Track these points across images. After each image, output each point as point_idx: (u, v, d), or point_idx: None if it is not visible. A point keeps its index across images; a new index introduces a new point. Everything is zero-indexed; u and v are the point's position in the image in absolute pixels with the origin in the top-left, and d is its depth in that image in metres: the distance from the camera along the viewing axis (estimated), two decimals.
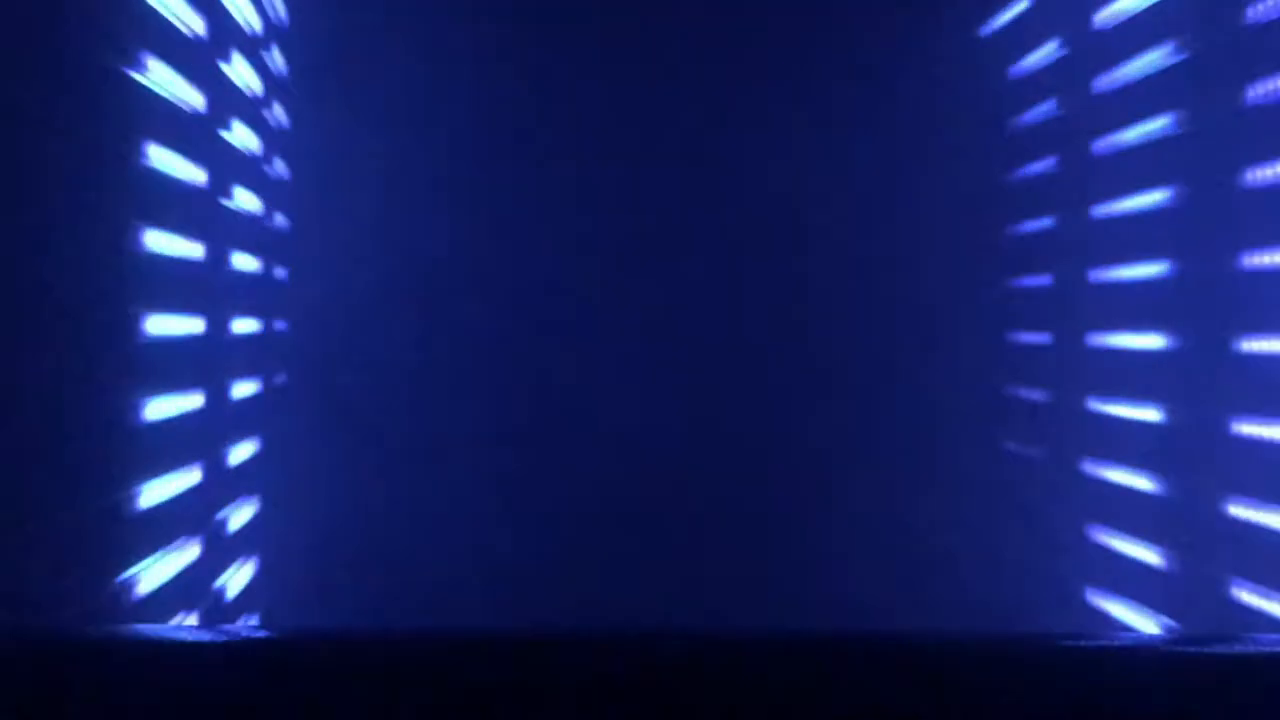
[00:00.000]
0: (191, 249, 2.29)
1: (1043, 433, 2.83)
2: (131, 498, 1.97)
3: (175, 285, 2.21)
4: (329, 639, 1.26)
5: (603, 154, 3.07)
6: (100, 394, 1.89)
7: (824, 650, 1.18)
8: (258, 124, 2.72)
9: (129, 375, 2.00)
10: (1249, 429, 1.98)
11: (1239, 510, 1.99)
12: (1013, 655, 1.19)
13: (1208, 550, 2.08)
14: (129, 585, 1.93)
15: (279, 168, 2.92)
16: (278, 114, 2.91)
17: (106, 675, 1.09)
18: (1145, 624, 2.33)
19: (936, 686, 1.08)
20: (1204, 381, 2.11)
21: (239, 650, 1.23)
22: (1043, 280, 2.89)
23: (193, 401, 2.28)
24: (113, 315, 1.95)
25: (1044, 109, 2.86)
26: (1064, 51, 2.75)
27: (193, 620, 2.25)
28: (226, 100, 2.46)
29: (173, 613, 2.14)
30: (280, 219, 2.94)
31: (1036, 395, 2.88)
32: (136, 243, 2.02)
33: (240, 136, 2.59)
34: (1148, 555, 2.30)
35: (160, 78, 2.07)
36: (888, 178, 3.07)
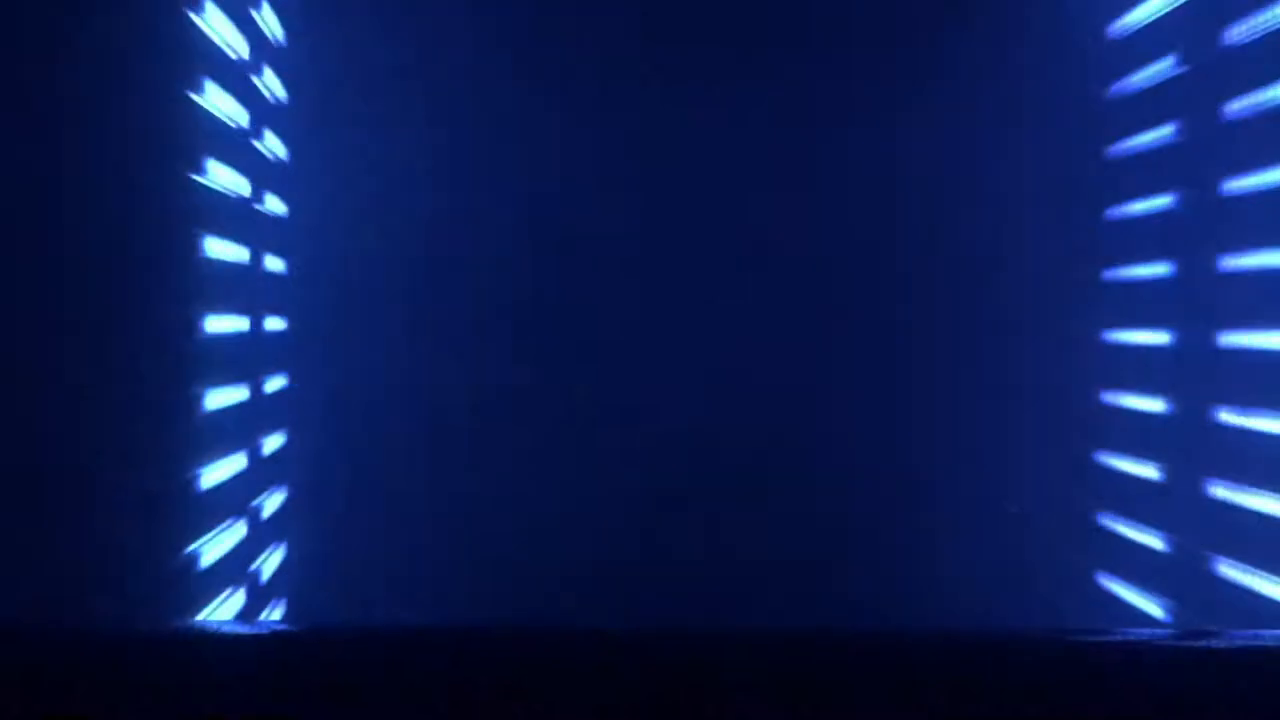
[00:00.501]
0: (239, 253, 2.40)
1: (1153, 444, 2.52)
2: (194, 479, 2.15)
3: (226, 286, 2.34)
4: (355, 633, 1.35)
5: (617, 148, 2.94)
6: (167, 386, 2.04)
7: (841, 646, 1.26)
8: (282, 134, 2.80)
9: (191, 369, 2.15)
10: None
11: None
12: (1024, 649, 1.27)
13: None
14: (190, 560, 2.09)
15: (301, 173, 2.94)
16: (297, 125, 2.95)
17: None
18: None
19: (951, 682, 1.15)
20: None
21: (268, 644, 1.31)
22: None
23: (239, 394, 2.41)
24: (176, 314, 2.08)
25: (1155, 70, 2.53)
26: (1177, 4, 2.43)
27: (239, 597, 2.39)
28: (259, 113, 2.57)
29: (221, 589, 2.29)
30: (300, 220, 2.96)
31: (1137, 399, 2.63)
32: (196, 249, 2.15)
33: (270, 145, 2.69)
34: None
35: (212, 96, 2.21)
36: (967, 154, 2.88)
